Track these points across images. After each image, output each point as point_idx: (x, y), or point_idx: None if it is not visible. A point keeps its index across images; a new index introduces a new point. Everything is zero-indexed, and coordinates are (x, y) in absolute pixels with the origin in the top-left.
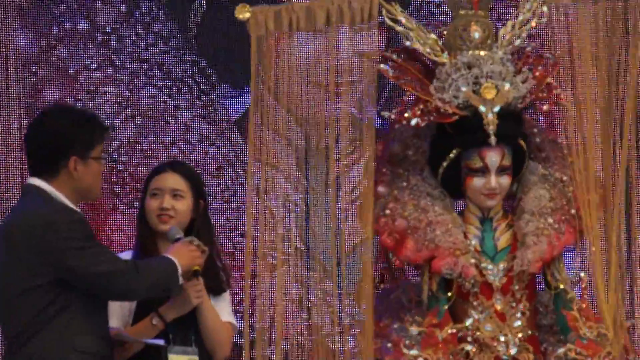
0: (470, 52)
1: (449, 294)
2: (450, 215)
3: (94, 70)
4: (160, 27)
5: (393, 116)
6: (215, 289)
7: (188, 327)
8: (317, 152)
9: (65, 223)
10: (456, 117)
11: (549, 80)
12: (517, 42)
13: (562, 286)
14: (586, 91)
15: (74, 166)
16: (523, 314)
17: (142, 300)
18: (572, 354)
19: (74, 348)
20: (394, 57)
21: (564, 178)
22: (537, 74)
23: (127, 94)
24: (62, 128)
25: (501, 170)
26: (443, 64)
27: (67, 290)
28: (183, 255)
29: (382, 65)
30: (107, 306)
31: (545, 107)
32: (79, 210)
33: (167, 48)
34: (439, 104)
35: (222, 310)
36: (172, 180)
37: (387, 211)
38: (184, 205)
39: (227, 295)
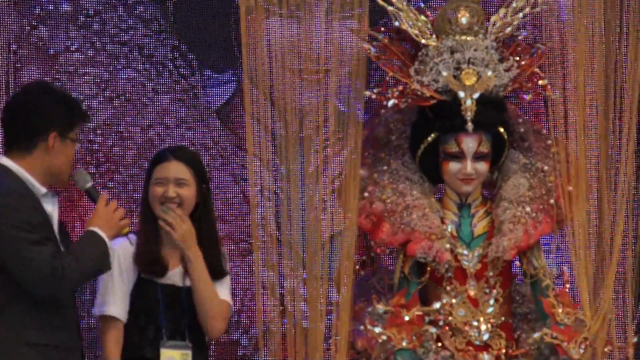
0: (456, 36)
1: (422, 278)
2: (428, 200)
3: (74, 52)
4: (142, 10)
5: (374, 96)
6: (216, 274)
7: (181, 321)
8: (296, 141)
9: (13, 208)
10: (433, 101)
11: (535, 70)
12: (509, 29)
13: (540, 274)
14: (580, 81)
15: (52, 143)
16: (496, 300)
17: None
18: (548, 339)
19: (25, 341)
20: (380, 36)
21: (545, 168)
22: (522, 62)
23: (107, 75)
24: (46, 103)
25: (478, 157)
26: (427, 47)
27: (13, 279)
28: (110, 223)
29: (365, 44)
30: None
31: (527, 97)
32: (45, 190)
33: (149, 31)
34: (417, 86)
35: (221, 292)
36: (176, 169)
37: (366, 194)
38: (188, 193)
39: (227, 280)
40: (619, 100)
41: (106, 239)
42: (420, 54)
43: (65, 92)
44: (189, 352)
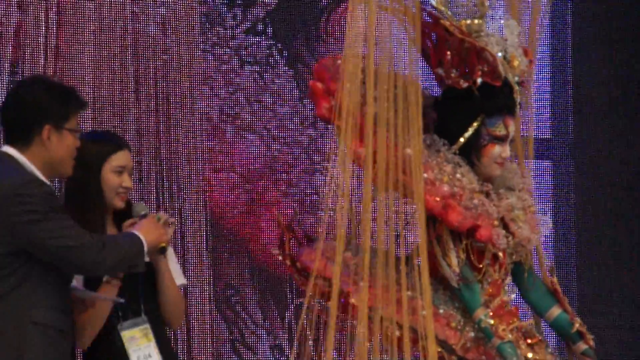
0: (477, 20)
1: (482, 264)
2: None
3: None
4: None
5: (443, 73)
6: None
7: (136, 298)
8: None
9: (31, 195)
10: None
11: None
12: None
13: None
14: None
15: (48, 135)
16: (507, 287)
17: None
18: (582, 327)
19: (31, 320)
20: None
21: None
22: None
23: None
24: (37, 96)
25: (510, 141)
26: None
27: (28, 262)
28: (150, 232)
29: (444, 21)
30: (71, 280)
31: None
32: (49, 183)
33: (253, 39)
34: (500, 65)
35: (173, 273)
36: (129, 158)
37: (425, 175)
38: (131, 182)
39: (171, 254)
40: None
41: (143, 240)
42: (483, 34)
43: (59, 82)
44: (147, 326)
